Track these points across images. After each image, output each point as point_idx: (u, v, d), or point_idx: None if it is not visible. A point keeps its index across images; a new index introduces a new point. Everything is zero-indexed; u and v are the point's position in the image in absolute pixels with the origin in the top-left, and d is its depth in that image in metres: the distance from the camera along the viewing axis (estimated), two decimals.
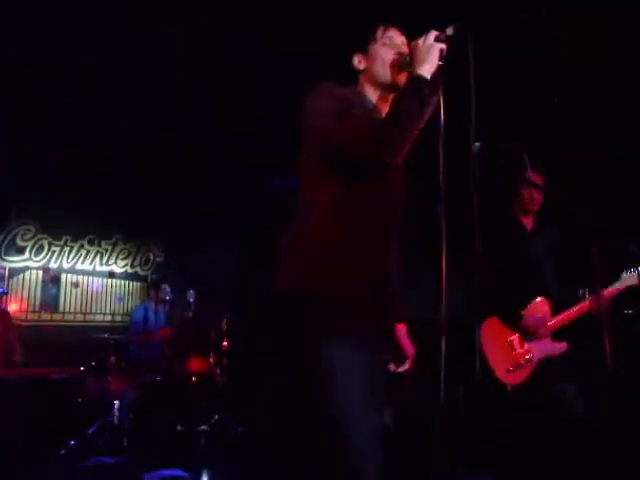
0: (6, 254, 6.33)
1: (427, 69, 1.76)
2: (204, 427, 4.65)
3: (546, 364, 2.98)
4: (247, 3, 4.35)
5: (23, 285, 6.43)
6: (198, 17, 4.53)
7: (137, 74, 5.21)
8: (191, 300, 5.34)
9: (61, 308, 6.64)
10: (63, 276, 6.70)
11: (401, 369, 1.96)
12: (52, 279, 6.60)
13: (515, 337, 3.03)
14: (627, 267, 3.13)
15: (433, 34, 1.79)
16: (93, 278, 6.91)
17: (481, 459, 3.09)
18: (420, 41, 1.82)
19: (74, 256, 6.79)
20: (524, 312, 3.05)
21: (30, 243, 6.50)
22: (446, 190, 1.70)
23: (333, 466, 1.69)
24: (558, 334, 3.07)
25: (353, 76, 2.07)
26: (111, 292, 7.01)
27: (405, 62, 1.87)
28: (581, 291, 3.10)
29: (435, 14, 1.82)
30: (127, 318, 6.43)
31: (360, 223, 1.84)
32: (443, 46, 1.78)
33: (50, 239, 6.64)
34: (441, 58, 1.78)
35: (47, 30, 4.62)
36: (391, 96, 1.95)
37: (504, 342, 3.03)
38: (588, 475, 2.79)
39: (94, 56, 4.91)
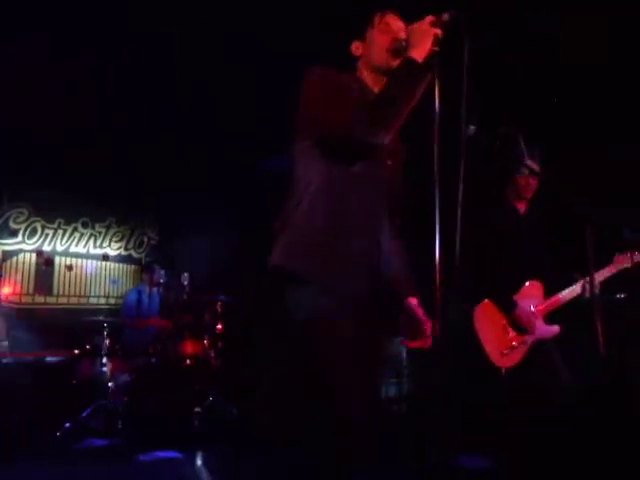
0: None
1: (420, 53, 1.77)
2: (198, 409, 4.67)
3: (539, 347, 3.00)
4: (247, 3, 4.34)
5: (17, 268, 6.41)
6: (198, 17, 4.52)
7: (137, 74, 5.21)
8: (185, 283, 5.34)
9: (55, 291, 6.63)
10: (57, 259, 6.68)
11: (418, 344, 1.93)
12: (46, 262, 6.57)
13: (508, 320, 3.05)
14: (619, 251, 3.15)
15: (429, 19, 1.80)
16: (87, 261, 6.89)
17: (476, 442, 3.13)
18: (415, 26, 1.82)
19: (68, 239, 6.76)
20: (517, 296, 3.07)
21: (23, 226, 6.47)
22: (440, 175, 1.70)
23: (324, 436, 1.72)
24: (551, 317, 3.09)
25: (354, 68, 2.10)
26: (105, 275, 7.00)
27: (401, 47, 1.87)
28: (574, 274, 3.12)
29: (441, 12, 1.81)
30: (121, 301, 6.42)
31: (349, 205, 1.86)
32: (438, 31, 1.78)
33: (43, 222, 6.61)
34: (436, 43, 1.78)
35: (47, 30, 4.60)
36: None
37: (498, 325, 3.04)
38: (581, 458, 2.83)
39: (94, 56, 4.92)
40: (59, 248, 6.70)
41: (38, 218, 6.57)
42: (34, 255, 6.52)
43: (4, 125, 5.55)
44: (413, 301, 1.97)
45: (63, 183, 6.33)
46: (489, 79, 4.32)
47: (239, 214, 6.77)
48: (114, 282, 6.95)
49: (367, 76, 2.02)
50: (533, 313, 3.04)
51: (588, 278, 2.99)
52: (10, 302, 6.13)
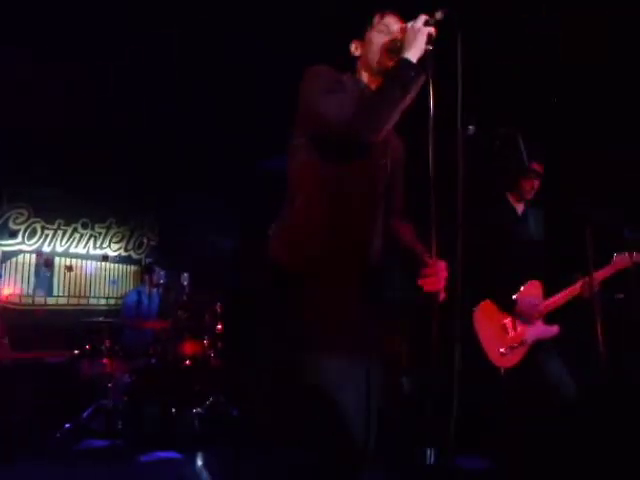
0: None
1: (414, 53, 1.77)
2: (198, 410, 4.67)
3: (538, 347, 3.00)
4: (247, 3, 4.35)
5: (16, 269, 6.41)
6: (198, 17, 4.53)
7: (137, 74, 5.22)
8: (185, 283, 5.34)
9: (55, 292, 6.62)
10: (56, 260, 6.67)
11: (432, 286, 1.88)
12: (46, 263, 6.57)
13: (508, 320, 3.05)
14: (619, 251, 3.15)
15: (422, 18, 1.80)
16: (87, 262, 6.89)
17: (475, 443, 3.13)
18: (409, 25, 1.83)
19: (67, 240, 6.76)
20: (517, 296, 3.07)
21: (23, 227, 6.47)
22: (435, 175, 1.70)
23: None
24: (550, 317, 3.09)
25: (352, 68, 2.11)
26: (105, 276, 6.99)
27: (397, 47, 1.87)
28: (574, 274, 3.12)
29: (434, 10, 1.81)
30: (121, 301, 6.42)
31: (342, 203, 1.87)
32: (432, 30, 1.78)
33: (43, 222, 6.60)
34: (430, 42, 1.78)
35: (47, 30, 4.61)
36: None
37: (497, 325, 3.04)
38: (581, 458, 2.82)
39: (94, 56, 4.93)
40: (59, 249, 6.70)
41: (38, 219, 6.57)
42: (34, 256, 6.51)
43: (4, 125, 5.55)
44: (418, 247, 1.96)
45: (63, 184, 6.33)
46: (489, 79, 4.33)
47: (239, 214, 6.78)
48: (114, 283, 6.95)
49: (366, 76, 2.03)
50: (535, 302, 3.03)
51: (588, 278, 2.99)
52: (10, 303, 6.14)
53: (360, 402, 1.81)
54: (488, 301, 3.07)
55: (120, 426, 4.49)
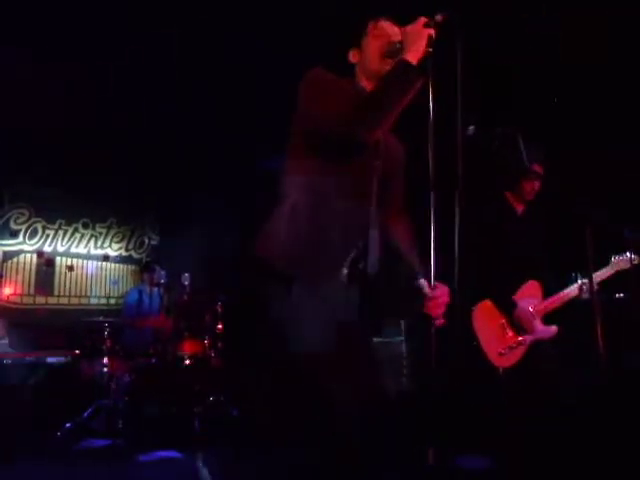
0: (0, 237, 6.31)
1: (413, 55, 1.78)
2: (198, 409, 4.67)
3: (536, 347, 3.00)
4: (247, 3, 4.35)
5: (18, 269, 6.42)
6: (198, 17, 4.53)
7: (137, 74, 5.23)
8: (186, 283, 5.34)
9: (56, 291, 6.63)
10: (57, 259, 6.69)
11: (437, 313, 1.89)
12: (47, 262, 6.58)
13: (507, 320, 3.05)
14: (619, 251, 3.15)
15: (422, 20, 1.81)
16: (88, 261, 6.90)
17: (474, 442, 3.12)
18: (409, 28, 1.84)
19: (68, 239, 6.77)
20: (516, 296, 3.07)
21: (24, 226, 6.48)
22: (435, 176, 1.71)
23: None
24: (550, 317, 3.09)
25: (352, 76, 2.12)
26: (106, 275, 7.01)
27: (395, 49, 1.88)
28: (573, 275, 3.12)
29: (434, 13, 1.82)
30: (122, 301, 6.43)
31: (332, 203, 1.88)
32: (431, 32, 1.79)
33: (44, 222, 6.62)
34: (429, 44, 1.79)
35: (47, 30, 4.62)
36: None
37: (496, 325, 3.04)
38: (580, 458, 2.82)
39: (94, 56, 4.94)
40: (60, 249, 6.71)
41: (39, 219, 6.58)
42: (35, 256, 6.53)
43: (4, 125, 5.56)
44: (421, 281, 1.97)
45: (64, 184, 6.35)
46: (489, 79, 4.33)
47: (239, 214, 6.77)
48: (115, 283, 6.96)
49: (364, 81, 2.04)
50: (532, 314, 3.04)
51: (587, 278, 2.99)
52: (11, 302, 6.15)
53: (360, 402, 1.82)
54: (487, 301, 3.07)
55: (120, 426, 4.50)
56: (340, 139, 1.83)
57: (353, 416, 1.77)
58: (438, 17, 1.79)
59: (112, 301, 6.93)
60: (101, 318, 5.28)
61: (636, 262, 3.13)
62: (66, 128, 5.88)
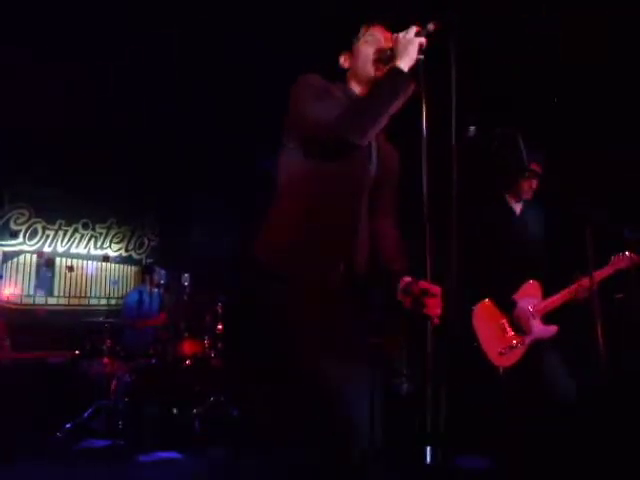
0: (0, 238, 6.32)
1: (405, 62, 1.81)
2: (198, 409, 4.67)
3: (537, 347, 3.00)
4: (247, 3, 4.35)
5: (17, 269, 6.42)
6: (198, 17, 4.54)
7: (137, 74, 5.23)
8: (186, 284, 5.34)
9: (56, 292, 6.63)
10: (57, 260, 6.69)
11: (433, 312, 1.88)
12: (47, 263, 6.58)
13: (507, 320, 3.05)
14: (619, 251, 3.15)
15: (413, 29, 1.84)
16: (88, 262, 6.90)
17: (474, 442, 3.12)
18: (401, 35, 1.86)
19: (68, 240, 6.77)
20: (516, 296, 3.07)
21: (24, 227, 6.48)
22: (429, 182, 1.72)
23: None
24: (550, 317, 3.09)
25: (344, 80, 2.13)
26: (106, 276, 7.01)
27: (386, 56, 1.91)
28: (573, 274, 3.12)
29: (434, 14, 1.83)
30: (122, 302, 6.42)
31: (323, 205, 1.89)
32: (423, 40, 1.82)
33: (44, 223, 6.62)
34: (421, 52, 1.82)
35: (47, 30, 4.62)
36: None
37: (496, 325, 3.04)
38: (580, 458, 2.82)
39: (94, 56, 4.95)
40: (60, 249, 6.71)
41: (39, 219, 6.58)
42: (35, 256, 6.53)
43: (4, 125, 5.56)
44: (407, 279, 1.96)
45: (63, 184, 6.35)
46: (489, 79, 4.33)
47: (239, 214, 6.78)
48: (115, 283, 6.97)
49: (355, 86, 2.06)
50: (532, 314, 3.04)
51: (586, 279, 2.98)
52: (11, 303, 6.15)
53: (360, 401, 1.82)
54: (487, 301, 3.07)
55: (120, 426, 4.49)
56: (330, 144, 1.85)
57: (353, 416, 1.77)
58: (430, 26, 1.82)
59: (112, 301, 6.93)
60: (101, 319, 5.28)
61: (636, 262, 3.13)
62: (66, 128, 5.88)
